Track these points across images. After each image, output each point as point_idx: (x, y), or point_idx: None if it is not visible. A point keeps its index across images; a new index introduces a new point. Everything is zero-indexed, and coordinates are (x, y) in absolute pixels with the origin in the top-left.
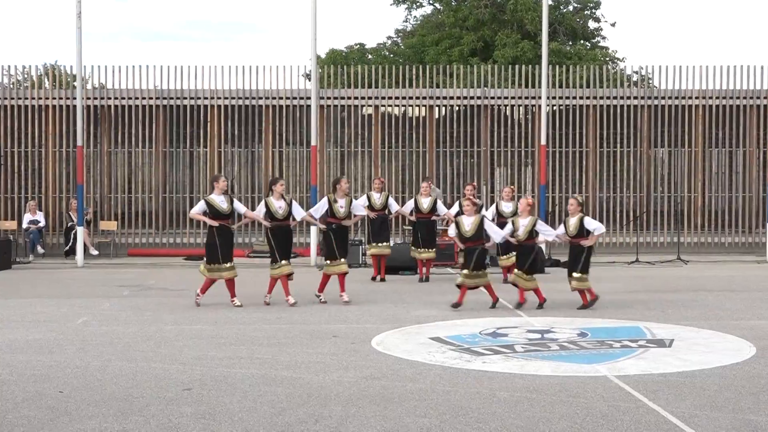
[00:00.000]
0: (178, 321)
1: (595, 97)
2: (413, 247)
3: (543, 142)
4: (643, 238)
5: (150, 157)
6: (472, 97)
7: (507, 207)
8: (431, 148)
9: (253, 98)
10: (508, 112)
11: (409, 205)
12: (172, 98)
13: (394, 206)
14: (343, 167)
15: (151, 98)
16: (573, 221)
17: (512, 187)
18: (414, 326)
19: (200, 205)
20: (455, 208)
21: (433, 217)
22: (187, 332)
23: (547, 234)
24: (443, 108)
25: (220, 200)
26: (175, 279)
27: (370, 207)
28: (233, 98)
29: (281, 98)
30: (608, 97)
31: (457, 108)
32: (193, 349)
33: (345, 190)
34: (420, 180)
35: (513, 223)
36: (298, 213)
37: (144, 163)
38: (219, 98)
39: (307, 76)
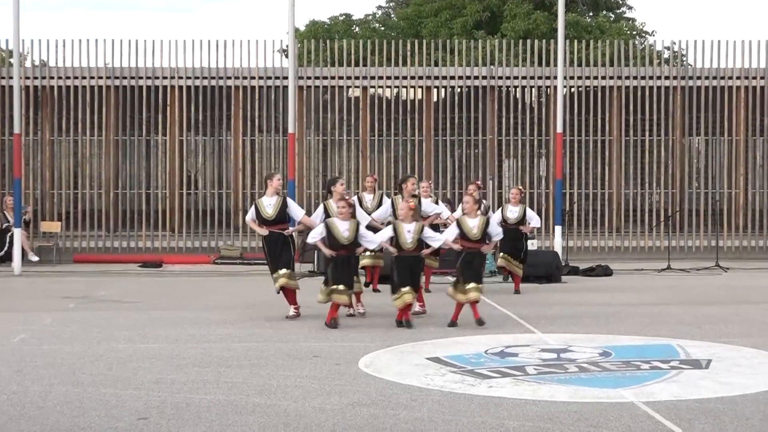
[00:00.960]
0: (133, 338)
1: (619, 77)
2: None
3: (559, 129)
4: (675, 241)
5: (100, 146)
6: (476, 77)
7: (513, 212)
8: (429, 136)
9: (221, 78)
10: (519, 95)
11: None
12: (125, 78)
13: (384, 209)
14: (326, 158)
15: (100, 78)
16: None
17: (520, 188)
18: (408, 344)
19: (251, 211)
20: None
21: (435, 221)
22: (143, 352)
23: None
24: (443, 90)
25: (267, 203)
26: (129, 289)
27: (362, 208)
28: (197, 78)
29: (253, 78)
30: (635, 77)
31: (459, 90)
32: (149, 372)
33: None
34: (416, 176)
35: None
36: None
37: (93, 153)
38: (181, 78)
39: (284, 53)
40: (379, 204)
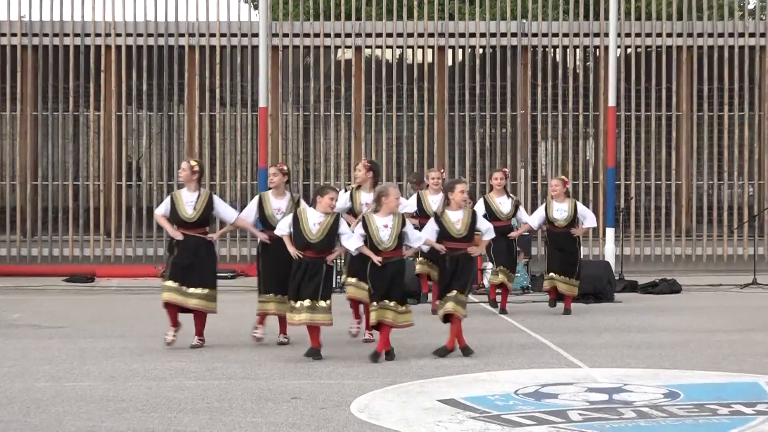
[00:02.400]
0: (57, 375)
1: (690, 35)
2: (420, 260)
3: (611, 102)
4: (764, 248)
5: (12, 124)
6: (503, 35)
7: (561, 211)
8: (441, 111)
9: (171, 36)
10: (559, 58)
11: (411, 204)
12: (46, 35)
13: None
14: (307, 140)
15: (14, 35)
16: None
17: (563, 178)
18: (416, 382)
19: (164, 204)
20: (480, 207)
21: None
22: (70, 392)
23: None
24: (460, 51)
25: (188, 200)
26: (51, 311)
27: (352, 211)
28: (140, 36)
29: (213, 36)
30: (710, 35)
31: (480, 51)
32: (78, 418)
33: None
34: (425, 162)
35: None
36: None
37: (3, 133)
38: (119, 35)
39: (253, 3)
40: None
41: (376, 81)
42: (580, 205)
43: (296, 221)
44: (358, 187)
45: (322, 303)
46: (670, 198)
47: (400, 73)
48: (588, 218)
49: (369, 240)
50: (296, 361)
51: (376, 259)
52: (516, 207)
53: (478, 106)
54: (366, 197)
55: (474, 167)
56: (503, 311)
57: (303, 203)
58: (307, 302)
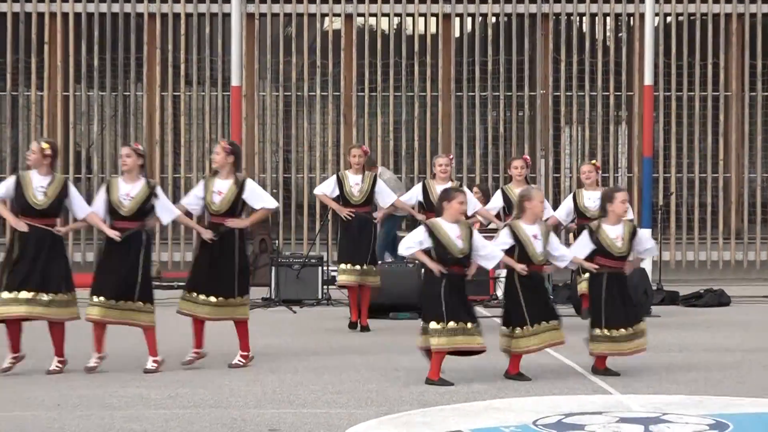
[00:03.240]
0: None
1: (741, 1)
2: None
3: (648, 80)
4: None
5: None
6: (520, 2)
7: (591, 199)
8: (448, 91)
9: (127, 2)
10: (586, 28)
11: (413, 194)
12: None
13: (386, 196)
14: (288, 124)
15: None
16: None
17: (595, 163)
18: (417, 411)
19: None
20: (497, 200)
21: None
22: (6, 424)
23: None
24: (469, 20)
25: (352, 180)
26: None
27: (343, 198)
28: (91, 2)
29: (177, 2)
30: (765, 1)
31: (493, 20)
32: None
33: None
34: (427, 151)
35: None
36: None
37: None
38: (65, 1)
39: None
40: (371, 188)
41: (370, 55)
42: None
43: (432, 235)
44: (214, 173)
45: (471, 324)
46: (717, 193)
47: (398, 46)
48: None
49: (519, 252)
50: (275, 387)
51: (520, 267)
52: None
53: (490, 85)
54: (221, 185)
55: (485, 157)
56: None
57: (437, 222)
58: (470, 324)
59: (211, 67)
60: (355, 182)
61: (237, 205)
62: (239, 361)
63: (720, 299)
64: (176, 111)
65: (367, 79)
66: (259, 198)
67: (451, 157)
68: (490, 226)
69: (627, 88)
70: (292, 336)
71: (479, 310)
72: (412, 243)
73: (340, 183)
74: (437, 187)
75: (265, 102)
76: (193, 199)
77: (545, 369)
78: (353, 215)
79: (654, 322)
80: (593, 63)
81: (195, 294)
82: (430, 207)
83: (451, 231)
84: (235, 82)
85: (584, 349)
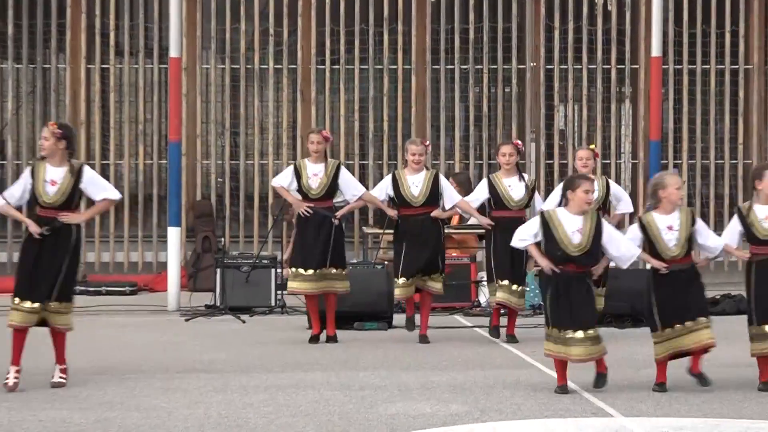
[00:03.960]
0: None
1: None
2: (398, 277)
3: (656, 52)
4: None
5: None
6: None
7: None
8: (422, 62)
9: None
10: None
11: (383, 187)
12: None
13: (351, 188)
14: (236, 102)
15: None
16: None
17: (593, 148)
18: None
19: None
20: (481, 191)
21: (435, 212)
22: None
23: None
24: None
25: (311, 171)
26: None
27: (300, 191)
28: None
29: None
30: None
31: None
32: None
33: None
34: (398, 133)
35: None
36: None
37: None
38: None
39: None
40: (332, 179)
41: (332, 22)
42: (613, 184)
43: (545, 226)
44: (42, 159)
45: (591, 332)
46: (735, 182)
47: (364, 11)
48: (623, 202)
49: (648, 248)
50: (221, 409)
51: (660, 265)
52: (532, 192)
53: (472, 56)
54: (53, 173)
55: (466, 140)
56: (511, 338)
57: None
58: (589, 332)
59: (145, 35)
60: (313, 172)
61: (74, 197)
62: (60, 378)
63: (739, 306)
64: (105, 86)
65: (328, 50)
66: (100, 187)
67: (427, 143)
68: (471, 221)
69: (631, 61)
70: (241, 349)
71: (458, 319)
72: (527, 235)
73: (298, 173)
74: (409, 178)
75: (209, 76)
76: (17, 190)
77: (537, 387)
78: (310, 211)
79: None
80: (592, 31)
81: (18, 301)
82: (402, 202)
83: (569, 223)
84: (173, 53)
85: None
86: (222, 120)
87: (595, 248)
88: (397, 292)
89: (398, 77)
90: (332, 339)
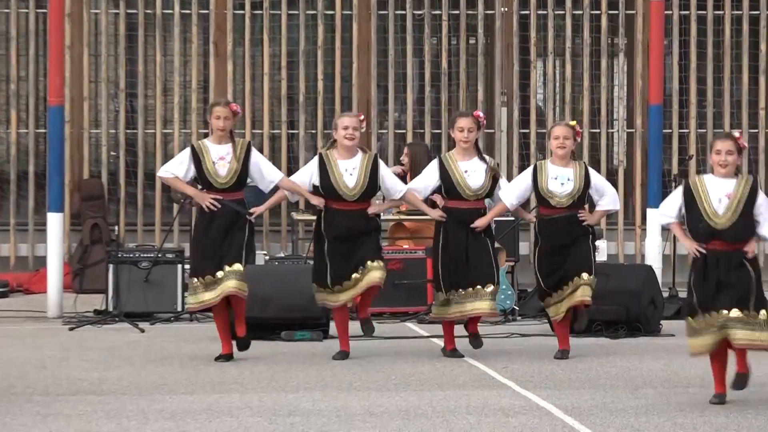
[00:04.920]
0: None
1: None
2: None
3: None
4: None
5: None
6: None
7: (559, 179)
8: (365, 8)
9: None
10: None
11: (306, 175)
12: None
13: (265, 176)
14: (133, 57)
15: None
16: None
17: (573, 125)
18: None
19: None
20: (430, 176)
21: (373, 209)
22: None
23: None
24: None
25: (216, 154)
26: None
27: (203, 179)
28: None
29: None
30: None
31: None
32: None
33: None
34: (336, 99)
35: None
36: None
37: None
38: None
39: None
40: (243, 164)
41: None
42: (594, 175)
43: (689, 196)
44: None
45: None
46: (756, 156)
47: None
48: (606, 196)
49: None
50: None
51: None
52: (494, 178)
53: (428, 0)
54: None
55: (420, 104)
56: (474, 338)
57: None
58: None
59: None
60: (219, 155)
61: None
62: None
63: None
64: None
65: None
66: None
67: (362, 117)
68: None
69: (626, 5)
70: (139, 365)
71: (411, 327)
72: (670, 208)
73: (197, 158)
74: (341, 164)
75: (98, 24)
76: None
77: (508, 411)
78: (218, 204)
79: (664, 344)
80: None
81: None
82: (332, 194)
83: (716, 188)
84: None
85: (566, 381)
86: (116, 79)
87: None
88: (320, 298)
89: (336, 26)
90: (243, 342)
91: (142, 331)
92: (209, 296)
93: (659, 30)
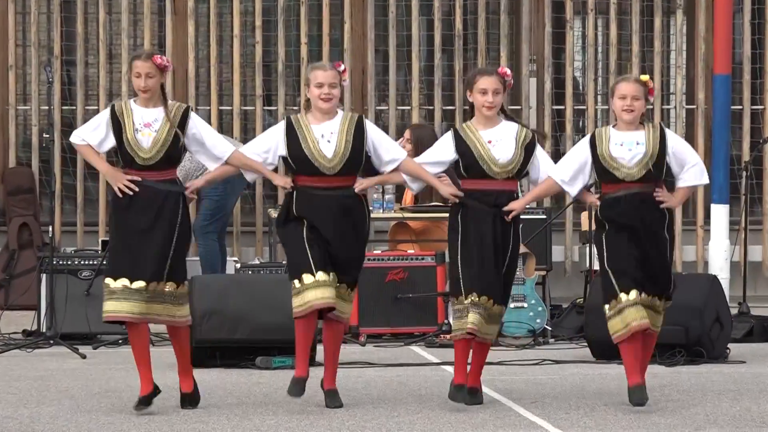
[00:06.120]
0: None
1: None
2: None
3: None
4: None
5: None
6: None
7: (629, 145)
8: None
9: None
10: None
11: (265, 146)
12: None
13: (210, 148)
14: (70, 13)
15: None
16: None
17: (646, 78)
18: None
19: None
20: (445, 150)
21: (360, 184)
22: None
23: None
24: None
25: (140, 119)
26: None
27: (123, 153)
28: None
29: None
30: None
31: None
32: None
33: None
34: (326, 60)
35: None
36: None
37: None
38: None
39: None
40: (172, 132)
41: None
42: (671, 136)
43: None
44: None
45: None
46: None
47: None
48: (691, 167)
49: None
50: None
51: None
52: (529, 146)
53: None
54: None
55: (429, 73)
56: (472, 393)
57: None
58: None
59: None
60: (144, 122)
61: None
62: None
63: None
64: None
65: None
66: None
67: (341, 66)
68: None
69: None
70: (79, 399)
71: (417, 352)
72: None
73: (117, 122)
74: (315, 129)
75: None
76: None
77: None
78: (135, 188)
79: (733, 372)
80: None
81: None
82: (305, 167)
83: None
84: None
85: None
86: (49, 43)
87: None
88: (306, 297)
89: None
90: (190, 398)
91: (83, 356)
92: (132, 309)
93: None
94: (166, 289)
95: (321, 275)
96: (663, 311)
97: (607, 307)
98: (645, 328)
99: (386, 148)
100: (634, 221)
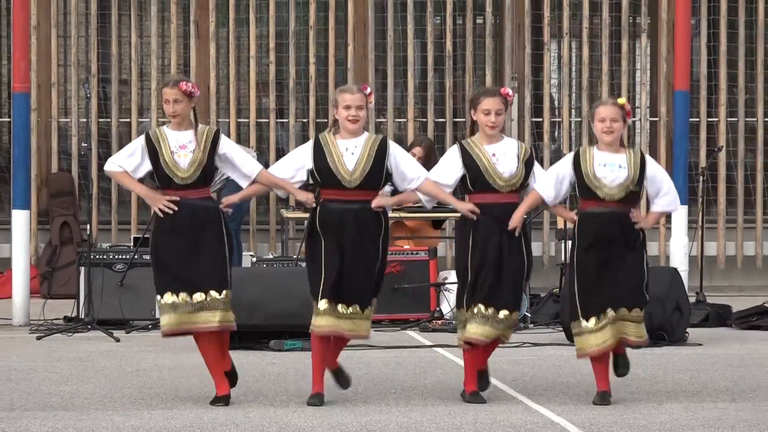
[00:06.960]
0: None
1: None
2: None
3: None
4: None
5: None
6: None
7: (611, 166)
8: None
9: None
10: None
11: (294, 163)
12: None
13: (240, 167)
14: (106, 38)
15: None
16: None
17: (622, 102)
18: None
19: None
20: (452, 167)
21: (377, 201)
22: None
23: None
24: None
25: (175, 142)
26: None
27: (160, 175)
28: None
29: None
30: None
31: None
32: None
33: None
34: (330, 81)
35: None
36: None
37: None
38: None
39: None
40: (210, 153)
41: None
42: (650, 162)
43: None
44: None
45: None
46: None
47: None
48: (665, 193)
49: None
50: None
51: None
52: (528, 161)
53: None
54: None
55: (423, 90)
56: (481, 377)
57: None
58: None
59: None
60: (179, 144)
61: None
62: None
63: None
64: None
65: None
66: None
67: (369, 90)
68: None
69: None
70: (113, 378)
71: (412, 335)
72: None
73: (153, 148)
74: (341, 143)
75: (67, 2)
76: None
77: (520, 429)
78: (174, 207)
79: (692, 354)
80: None
81: None
82: (329, 181)
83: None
84: None
85: (585, 396)
86: (86, 63)
87: None
88: (316, 322)
89: (329, 4)
90: (230, 376)
91: (117, 340)
92: (172, 320)
93: (686, 8)
94: (220, 297)
95: (323, 304)
96: (642, 320)
97: (572, 323)
98: (604, 352)
99: (409, 166)
100: (613, 235)
